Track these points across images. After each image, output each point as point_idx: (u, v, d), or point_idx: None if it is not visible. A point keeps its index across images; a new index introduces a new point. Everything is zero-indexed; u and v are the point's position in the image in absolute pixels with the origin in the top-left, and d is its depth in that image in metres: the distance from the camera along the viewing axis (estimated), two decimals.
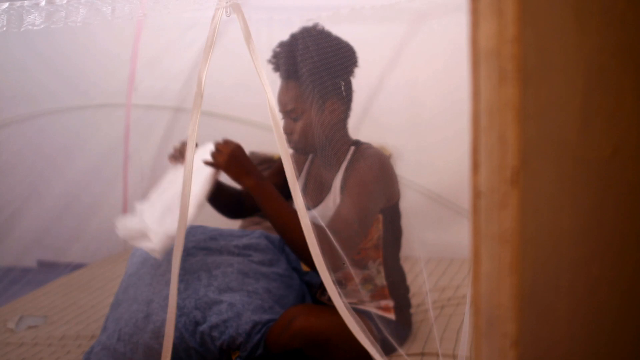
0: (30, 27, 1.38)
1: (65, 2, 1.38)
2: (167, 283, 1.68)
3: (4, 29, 1.39)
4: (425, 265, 2.45)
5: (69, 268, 2.95)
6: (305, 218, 1.44)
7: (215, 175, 1.76)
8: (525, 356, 0.73)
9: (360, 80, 1.75)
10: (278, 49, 1.68)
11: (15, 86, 2.98)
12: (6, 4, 1.39)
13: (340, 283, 1.70)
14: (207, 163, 1.70)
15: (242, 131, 3.01)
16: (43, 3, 1.38)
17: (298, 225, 1.46)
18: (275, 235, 2.04)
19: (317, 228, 1.50)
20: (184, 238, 1.52)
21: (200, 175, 1.74)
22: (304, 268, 1.99)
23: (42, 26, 1.38)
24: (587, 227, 0.82)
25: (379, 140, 2.66)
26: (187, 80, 2.96)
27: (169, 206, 1.75)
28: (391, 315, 1.74)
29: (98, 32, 2.85)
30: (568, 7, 0.74)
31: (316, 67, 1.61)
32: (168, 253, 1.90)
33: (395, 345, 1.66)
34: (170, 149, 3.06)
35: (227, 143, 1.70)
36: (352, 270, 1.66)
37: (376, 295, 1.74)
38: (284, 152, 1.44)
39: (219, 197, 1.90)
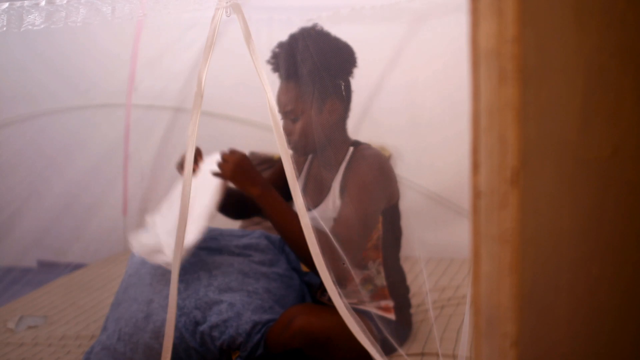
0: (30, 27, 1.38)
1: (65, 2, 1.38)
2: (167, 283, 1.68)
3: (4, 29, 1.39)
4: (425, 265, 2.45)
5: (69, 268, 2.95)
6: (305, 218, 1.45)
7: (224, 185, 1.77)
8: (525, 356, 0.73)
9: (360, 81, 1.75)
10: (277, 50, 1.68)
11: (15, 86, 2.98)
12: (6, 4, 1.39)
13: (340, 283, 1.70)
14: (214, 174, 1.71)
15: (242, 131, 3.01)
16: (43, 3, 1.38)
17: (327, 257, 1.47)
18: (275, 235, 2.04)
19: (321, 234, 1.51)
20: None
21: (209, 186, 1.76)
22: (304, 268, 1.99)
23: (42, 26, 1.38)
24: (587, 227, 0.82)
25: (379, 140, 2.67)
26: (187, 80, 2.96)
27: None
28: (391, 316, 1.74)
29: (98, 32, 2.85)
30: (568, 7, 0.74)
31: (315, 68, 1.61)
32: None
33: (395, 345, 1.66)
34: (170, 149, 3.08)
35: (232, 153, 1.71)
36: (352, 271, 1.66)
37: (376, 295, 1.74)
38: (284, 152, 1.44)
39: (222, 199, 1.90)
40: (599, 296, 0.86)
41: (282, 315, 1.68)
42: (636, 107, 0.85)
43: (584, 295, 0.84)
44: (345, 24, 2.37)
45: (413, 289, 1.95)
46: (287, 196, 1.51)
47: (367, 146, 1.74)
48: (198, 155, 1.85)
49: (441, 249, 2.58)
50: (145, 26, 2.94)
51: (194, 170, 1.81)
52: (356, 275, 1.70)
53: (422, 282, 2.14)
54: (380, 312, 1.72)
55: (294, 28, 1.69)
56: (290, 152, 1.56)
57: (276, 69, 1.70)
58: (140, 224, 3.06)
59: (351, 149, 1.73)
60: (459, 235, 2.37)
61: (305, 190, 1.77)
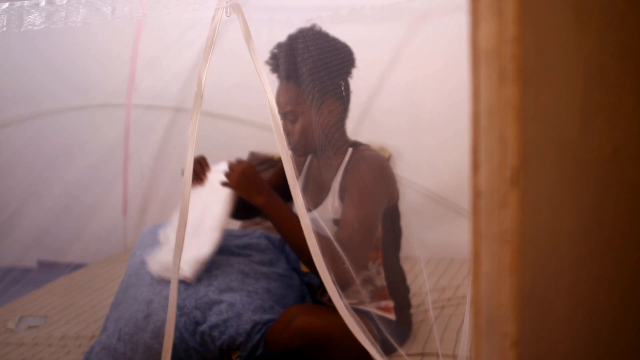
0: (30, 27, 1.38)
1: (65, 2, 1.38)
2: (167, 283, 1.68)
3: (4, 29, 1.39)
4: (425, 265, 2.45)
5: (69, 268, 2.95)
6: (305, 218, 1.45)
7: (235, 196, 1.80)
8: (525, 356, 0.73)
9: (360, 81, 1.75)
10: (275, 51, 1.68)
11: (15, 86, 2.98)
12: (6, 4, 1.39)
13: (344, 288, 1.70)
14: (223, 184, 1.73)
15: (242, 131, 3.01)
16: (43, 3, 1.38)
17: (327, 257, 1.47)
18: (275, 236, 2.04)
19: (322, 238, 1.51)
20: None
21: (219, 197, 1.79)
22: (304, 269, 1.99)
23: (42, 26, 1.38)
24: (587, 227, 0.82)
25: (379, 140, 2.67)
26: (187, 80, 2.96)
27: (194, 232, 1.79)
28: (391, 316, 1.74)
29: (98, 32, 2.86)
30: (568, 7, 0.74)
31: (314, 68, 1.61)
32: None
33: (395, 345, 1.66)
34: (170, 149, 3.08)
35: (239, 163, 1.73)
36: (355, 273, 1.67)
37: (376, 295, 1.74)
38: (284, 152, 1.44)
39: None
40: (599, 296, 0.86)
41: (282, 315, 1.68)
42: (636, 107, 0.85)
43: (584, 295, 0.84)
44: (345, 24, 2.37)
45: (413, 289, 1.95)
46: (288, 196, 1.52)
47: (366, 147, 1.74)
48: (205, 165, 1.88)
49: (441, 249, 2.58)
50: (145, 26, 2.94)
51: (202, 180, 1.85)
52: (357, 276, 1.70)
53: (422, 282, 2.14)
54: (380, 312, 1.72)
55: (294, 28, 1.69)
56: (290, 152, 1.56)
57: (275, 69, 1.70)
58: (140, 223, 3.08)
59: (350, 149, 1.73)
60: (459, 235, 2.37)
61: (304, 191, 1.77)
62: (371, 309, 1.71)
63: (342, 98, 1.70)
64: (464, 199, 2.52)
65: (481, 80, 0.68)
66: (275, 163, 2.81)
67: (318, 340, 1.62)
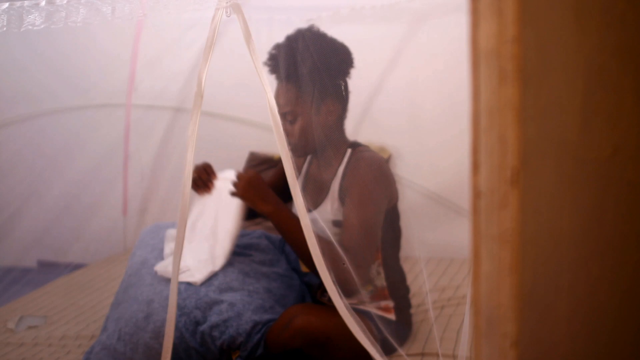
0: (30, 27, 1.38)
1: (65, 2, 1.38)
2: (167, 283, 1.68)
3: (4, 29, 1.39)
4: (425, 265, 2.45)
5: (69, 268, 2.95)
6: (305, 219, 1.45)
7: (245, 208, 1.83)
8: (525, 356, 0.73)
9: (360, 81, 1.75)
10: (273, 52, 1.68)
11: (15, 86, 2.98)
12: (6, 4, 1.39)
13: (349, 293, 1.70)
14: (232, 194, 1.75)
15: (242, 131, 3.01)
16: (43, 3, 1.38)
17: (327, 257, 1.48)
18: (275, 236, 2.04)
19: (324, 241, 1.52)
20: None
21: (230, 208, 1.82)
22: (303, 269, 1.99)
23: (42, 26, 1.38)
24: (587, 227, 0.82)
25: (379, 140, 2.67)
26: (187, 80, 2.96)
27: (207, 238, 1.83)
28: (391, 316, 1.74)
29: (98, 32, 2.86)
30: (568, 7, 0.74)
31: (312, 69, 1.61)
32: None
33: (396, 345, 1.66)
34: (170, 149, 3.08)
35: (245, 172, 1.76)
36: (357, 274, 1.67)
37: (376, 296, 1.74)
38: (284, 152, 1.44)
39: None
40: (599, 296, 0.86)
41: (282, 315, 1.68)
42: (636, 107, 0.85)
43: (584, 295, 0.84)
44: (345, 24, 2.37)
45: (413, 289, 1.95)
46: (288, 197, 1.52)
47: (365, 148, 1.74)
48: (211, 173, 1.90)
49: (441, 249, 2.58)
50: (145, 26, 2.94)
51: (209, 189, 1.88)
52: (363, 279, 1.71)
53: (422, 282, 2.14)
54: (380, 312, 1.72)
55: (294, 28, 1.69)
56: (290, 152, 1.56)
57: (273, 70, 1.70)
58: (140, 223, 3.08)
59: (349, 150, 1.72)
60: (459, 235, 2.37)
61: (303, 191, 1.78)
62: (371, 309, 1.71)
63: (341, 98, 1.70)
64: (464, 199, 2.52)
65: (481, 81, 0.68)
66: (275, 163, 2.81)
67: (318, 340, 1.62)
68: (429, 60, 2.60)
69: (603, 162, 0.82)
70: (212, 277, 1.76)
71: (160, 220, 2.88)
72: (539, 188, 0.73)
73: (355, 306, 1.63)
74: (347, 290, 1.58)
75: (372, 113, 2.68)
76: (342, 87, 1.70)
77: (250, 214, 2.02)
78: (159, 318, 1.66)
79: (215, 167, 1.96)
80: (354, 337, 1.48)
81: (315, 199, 1.74)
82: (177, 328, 1.65)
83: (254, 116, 2.93)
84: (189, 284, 1.74)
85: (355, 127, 2.63)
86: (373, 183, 1.67)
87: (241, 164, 2.93)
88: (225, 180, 1.87)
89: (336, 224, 1.69)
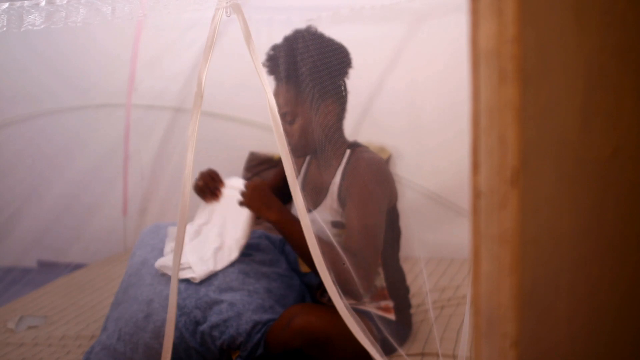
0: (30, 27, 1.38)
1: (65, 2, 1.38)
2: (168, 283, 1.68)
3: (4, 29, 1.39)
4: (425, 265, 2.45)
5: (69, 268, 2.95)
6: (305, 219, 1.45)
7: (253, 218, 1.85)
8: (525, 356, 0.72)
9: (360, 81, 1.75)
10: (271, 52, 1.69)
11: (15, 86, 2.98)
12: (6, 4, 1.39)
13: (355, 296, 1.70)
14: (240, 203, 1.77)
15: (242, 131, 3.01)
16: (43, 3, 1.38)
17: (327, 257, 1.48)
18: (275, 236, 2.04)
19: (324, 243, 1.52)
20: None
21: (238, 217, 1.84)
22: (303, 269, 1.99)
23: (42, 26, 1.38)
24: (587, 227, 0.82)
25: (379, 140, 2.67)
26: (187, 80, 2.96)
27: (207, 241, 1.85)
28: (391, 316, 1.74)
29: (98, 32, 2.86)
30: (568, 7, 0.74)
31: (309, 70, 1.61)
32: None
33: (395, 345, 1.66)
34: (170, 149, 3.08)
35: (252, 181, 1.78)
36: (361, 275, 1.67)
37: (376, 296, 1.74)
38: (284, 152, 1.44)
39: None
40: (599, 296, 0.86)
41: (282, 315, 1.68)
42: (636, 107, 0.85)
43: (584, 295, 0.84)
44: (345, 24, 2.37)
45: (413, 289, 1.95)
46: (288, 197, 1.52)
47: (363, 149, 1.73)
48: (218, 181, 1.91)
49: (441, 249, 2.58)
50: (145, 26, 2.94)
51: (217, 197, 1.91)
52: (371, 282, 1.71)
53: (422, 282, 2.14)
54: (380, 313, 1.72)
55: (293, 28, 1.69)
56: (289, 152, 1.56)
57: (271, 71, 1.70)
58: (140, 223, 3.08)
59: (348, 151, 1.72)
60: (459, 235, 2.37)
61: (302, 192, 1.78)
62: (371, 309, 1.71)
63: (340, 98, 1.70)
64: (464, 199, 2.52)
65: (481, 81, 0.68)
66: (275, 163, 2.81)
67: (318, 340, 1.62)
68: (429, 60, 2.60)
69: (603, 162, 0.82)
70: (212, 277, 1.76)
71: (160, 220, 2.88)
72: (539, 188, 0.73)
73: (355, 306, 1.63)
74: (347, 291, 1.58)
75: (372, 113, 2.68)
76: (341, 88, 1.69)
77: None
78: (159, 318, 1.66)
79: (215, 167, 1.96)
80: (354, 337, 1.48)
81: (314, 199, 1.74)
82: (177, 328, 1.65)
83: (254, 116, 2.93)
84: (189, 283, 1.74)
85: (355, 127, 2.63)
86: (373, 184, 1.67)
87: (241, 164, 2.93)
88: (233, 188, 1.89)
89: (335, 224, 1.69)
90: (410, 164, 2.68)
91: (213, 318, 1.67)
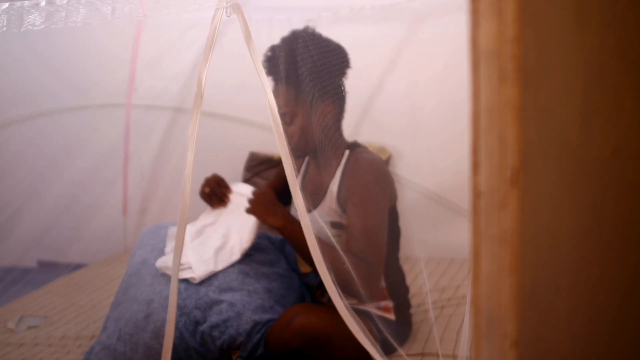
0: (30, 27, 1.38)
1: (65, 2, 1.38)
2: (168, 283, 1.68)
3: (4, 29, 1.39)
4: (425, 265, 2.45)
5: (69, 268, 2.95)
6: (305, 219, 1.45)
7: (259, 224, 1.87)
8: (525, 356, 0.72)
9: (360, 81, 1.75)
10: (269, 54, 1.69)
11: (15, 86, 2.98)
12: (6, 4, 1.39)
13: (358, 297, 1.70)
14: (247, 211, 1.79)
15: (242, 131, 3.01)
16: (43, 3, 1.37)
17: (326, 258, 1.48)
18: (275, 236, 2.04)
19: (324, 245, 1.52)
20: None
21: (244, 222, 1.86)
22: (302, 270, 1.99)
23: (42, 26, 1.38)
24: (587, 227, 0.82)
25: (379, 141, 2.67)
26: (187, 80, 2.97)
27: (209, 241, 1.86)
28: (391, 316, 1.74)
29: (98, 32, 2.86)
30: (568, 7, 0.74)
31: (307, 70, 1.61)
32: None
33: (395, 345, 1.66)
34: (170, 149, 3.08)
35: (259, 189, 1.81)
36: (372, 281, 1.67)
37: (376, 296, 1.74)
38: (284, 152, 1.44)
39: None
40: (599, 296, 0.86)
41: (282, 315, 1.68)
42: (636, 107, 0.85)
43: (584, 295, 0.84)
44: (345, 24, 2.37)
45: (413, 289, 1.95)
46: (288, 198, 1.52)
47: (363, 149, 1.73)
48: (225, 187, 1.94)
49: (441, 249, 2.58)
50: (145, 26, 2.94)
51: (225, 203, 1.93)
52: (378, 284, 1.71)
53: (422, 282, 2.14)
54: (380, 313, 1.72)
55: (294, 28, 1.69)
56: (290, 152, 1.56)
57: (269, 72, 1.70)
58: (140, 223, 3.08)
59: (347, 152, 1.72)
60: (459, 235, 2.37)
61: (302, 192, 1.78)
62: (371, 309, 1.71)
63: (338, 99, 1.69)
64: (464, 199, 2.53)
65: (481, 81, 0.68)
66: (275, 163, 2.81)
67: (318, 340, 1.62)
68: (429, 60, 2.60)
69: (603, 162, 0.82)
70: (212, 277, 1.76)
71: (160, 220, 2.88)
72: (539, 188, 0.73)
73: (355, 306, 1.63)
74: (348, 291, 1.58)
75: (372, 113, 2.68)
76: (339, 88, 1.69)
77: None
78: (159, 318, 1.66)
79: (215, 167, 1.97)
80: (354, 337, 1.48)
81: (313, 200, 1.74)
82: (177, 328, 1.65)
83: (254, 116, 2.93)
84: (189, 283, 1.74)
85: (356, 127, 2.63)
86: (373, 185, 1.67)
87: (241, 164, 2.93)
88: (240, 195, 1.91)
89: (334, 225, 1.69)
90: (410, 164, 2.68)
91: (213, 318, 1.67)
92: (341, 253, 1.57)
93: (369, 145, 1.83)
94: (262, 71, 1.46)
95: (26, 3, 1.38)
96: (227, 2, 1.42)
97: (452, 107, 2.37)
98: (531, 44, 0.68)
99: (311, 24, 1.71)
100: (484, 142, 0.69)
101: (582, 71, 0.77)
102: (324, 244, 1.52)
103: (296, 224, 1.69)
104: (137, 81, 3.03)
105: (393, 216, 1.75)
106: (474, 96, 0.69)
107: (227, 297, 1.70)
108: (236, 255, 1.82)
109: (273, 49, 1.68)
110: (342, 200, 1.68)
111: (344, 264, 1.58)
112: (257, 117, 2.90)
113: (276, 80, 1.68)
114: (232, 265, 1.81)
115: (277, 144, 1.44)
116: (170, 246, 1.87)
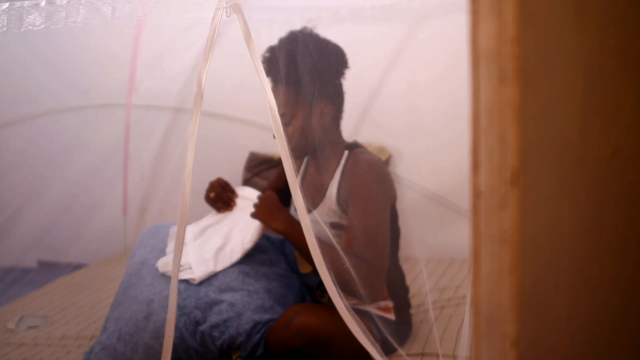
0: (30, 27, 1.38)
1: (65, 2, 1.38)
2: (168, 283, 1.68)
3: (4, 29, 1.39)
4: (425, 265, 2.45)
5: (69, 268, 2.95)
6: (305, 219, 1.45)
7: (263, 228, 1.87)
8: (525, 356, 0.72)
9: (360, 82, 1.75)
10: (267, 54, 1.69)
11: (15, 86, 2.98)
12: (6, 4, 1.39)
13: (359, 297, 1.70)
14: (252, 215, 1.79)
15: (242, 131, 3.01)
16: (43, 3, 1.37)
17: (326, 258, 1.49)
18: (275, 236, 2.04)
19: (324, 245, 1.52)
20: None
21: (247, 225, 1.87)
22: (302, 270, 1.99)
23: (42, 26, 1.38)
24: (587, 227, 0.82)
25: (379, 141, 2.67)
26: (187, 80, 2.97)
27: (210, 242, 1.87)
28: (391, 316, 1.74)
29: (98, 32, 2.86)
30: (568, 7, 0.74)
31: (305, 71, 1.61)
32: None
33: (395, 345, 1.66)
34: (170, 149, 3.08)
35: (263, 194, 1.81)
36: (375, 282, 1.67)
37: (377, 296, 1.74)
38: (284, 152, 1.44)
39: None
40: (599, 296, 0.86)
41: (282, 315, 1.68)
42: (636, 107, 0.85)
43: (584, 295, 0.84)
44: (345, 24, 2.37)
45: (413, 289, 1.95)
46: (289, 198, 1.52)
47: (362, 150, 1.73)
48: (231, 191, 1.95)
49: (441, 249, 2.58)
50: (145, 26, 2.94)
51: (231, 207, 1.94)
52: (382, 285, 1.71)
53: (422, 282, 2.14)
54: (380, 313, 1.72)
55: (294, 28, 1.69)
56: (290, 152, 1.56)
57: (267, 73, 1.70)
58: (140, 223, 3.08)
59: (346, 152, 1.72)
60: (459, 235, 2.37)
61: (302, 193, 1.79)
62: (371, 309, 1.71)
63: (335, 99, 1.69)
64: (464, 199, 2.53)
65: (481, 81, 0.68)
66: (275, 163, 2.81)
67: (318, 340, 1.62)
68: (429, 60, 2.60)
69: (603, 162, 0.82)
70: (212, 277, 1.76)
71: (160, 220, 2.88)
72: (539, 188, 0.73)
73: (355, 306, 1.63)
74: (348, 291, 1.58)
75: (372, 113, 2.68)
76: (337, 88, 1.69)
77: None
78: (159, 318, 1.66)
79: (215, 167, 1.97)
80: (354, 337, 1.48)
81: (312, 200, 1.74)
82: (177, 328, 1.65)
83: (254, 116, 2.93)
84: (189, 283, 1.74)
85: (356, 128, 2.63)
86: (373, 185, 1.67)
87: (241, 164, 2.93)
88: (245, 199, 1.93)
89: (333, 225, 1.69)
90: (410, 164, 2.68)
91: (213, 318, 1.67)
92: (341, 253, 1.57)
93: (368, 145, 1.84)
94: (262, 71, 1.46)
95: (26, 3, 1.38)
96: (227, 2, 1.42)
97: (452, 107, 2.38)
98: (531, 44, 0.68)
99: (311, 24, 1.71)
100: (484, 142, 0.69)
101: (582, 71, 0.77)
102: (324, 244, 1.52)
103: (299, 227, 1.69)
104: (137, 81, 3.03)
105: (393, 216, 1.75)
106: (474, 96, 0.69)
107: (227, 297, 1.71)
108: (237, 255, 1.82)
109: (271, 49, 1.68)
110: (341, 201, 1.68)
111: (344, 264, 1.58)
112: (257, 117, 2.90)
113: (275, 81, 1.68)
114: (232, 265, 1.81)
115: (277, 144, 1.44)
116: (171, 246, 1.87)
